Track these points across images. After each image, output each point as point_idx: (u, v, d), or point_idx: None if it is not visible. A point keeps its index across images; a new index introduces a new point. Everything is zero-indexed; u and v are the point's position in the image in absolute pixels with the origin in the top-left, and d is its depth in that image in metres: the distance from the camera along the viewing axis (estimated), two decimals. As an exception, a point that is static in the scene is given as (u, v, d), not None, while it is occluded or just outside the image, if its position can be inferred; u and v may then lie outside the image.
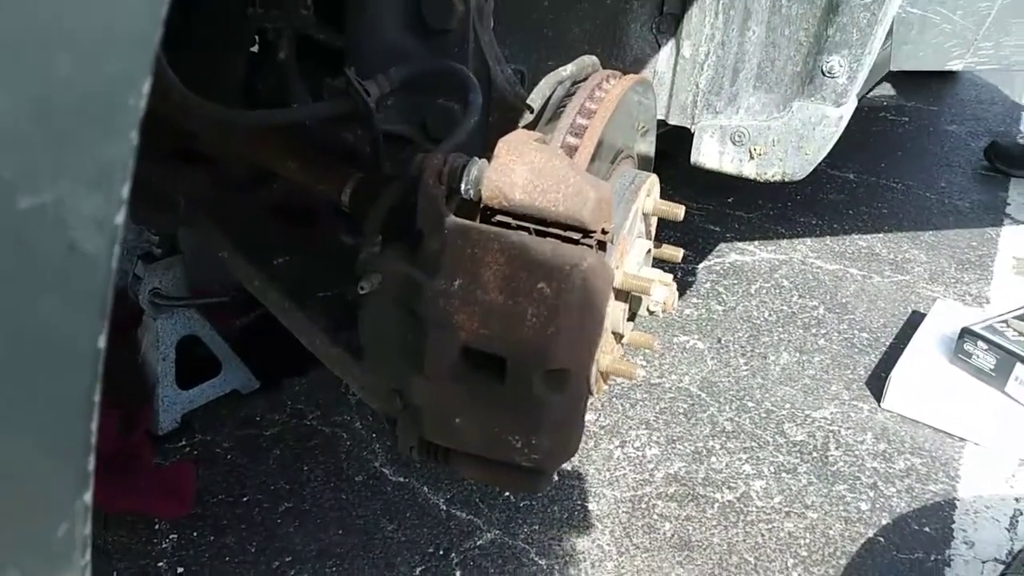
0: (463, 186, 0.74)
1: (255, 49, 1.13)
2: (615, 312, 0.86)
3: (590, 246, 0.73)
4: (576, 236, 0.73)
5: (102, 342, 0.36)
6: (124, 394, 1.45)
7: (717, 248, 2.17)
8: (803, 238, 2.24)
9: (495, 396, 0.74)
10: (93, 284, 0.35)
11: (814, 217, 2.34)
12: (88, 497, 0.39)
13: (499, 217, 0.75)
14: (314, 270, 1.06)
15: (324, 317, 1.00)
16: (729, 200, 2.36)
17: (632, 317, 0.92)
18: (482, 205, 0.74)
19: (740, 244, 2.19)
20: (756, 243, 2.20)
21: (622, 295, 0.86)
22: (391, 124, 0.85)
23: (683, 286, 2.00)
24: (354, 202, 0.93)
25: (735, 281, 2.03)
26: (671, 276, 0.87)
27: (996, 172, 2.52)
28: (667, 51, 1.30)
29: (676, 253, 0.96)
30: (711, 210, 2.33)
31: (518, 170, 0.72)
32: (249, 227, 1.09)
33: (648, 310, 0.87)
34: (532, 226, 0.74)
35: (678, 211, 0.91)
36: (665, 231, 2.17)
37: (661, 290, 0.84)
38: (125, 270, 1.44)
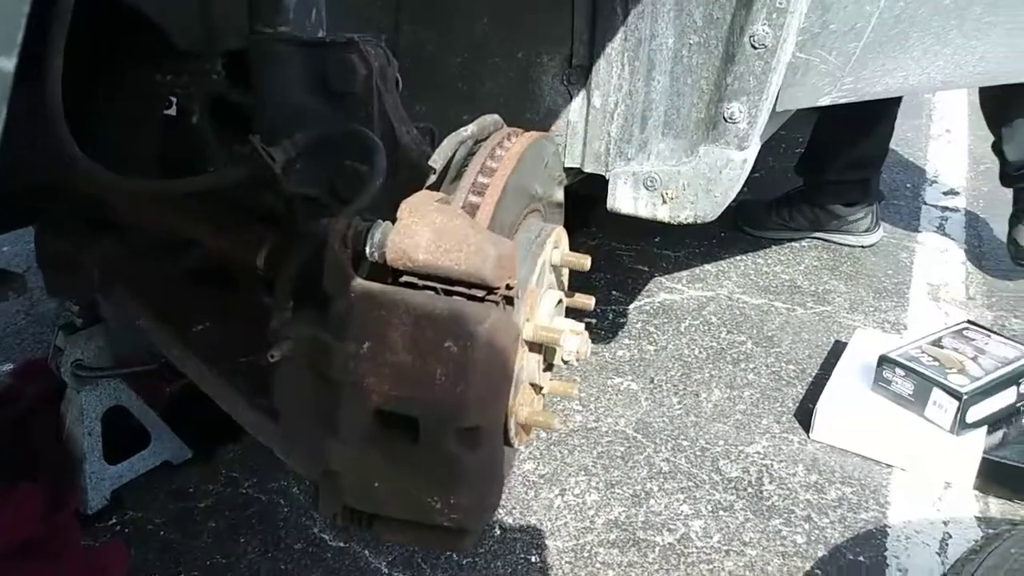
0: (368, 249, 0.75)
1: (172, 112, 1.13)
2: (530, 364, 0.87)
3: (495, 302, 0.75)
4: (481, 293, 0.74)
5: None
6: (49, 472, 1.40)
7: (647, 288, 2.21)
8: (728, 274, 2.29)
9: (411, 457, 0.74)
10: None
11: (739, 253, 2.40)
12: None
13: (406, 278, 0.76)
14: (233, 335, 1.05)
15: (244, 382, 0.99)
16: (656, 240, 2.41)
17: (549, 367, 0.93)
18: (388, 266, 0.75)
19: (669, 283, 2.24)
20: (684, 281, 2.25)
21: (535, 347, 0.88)
22: (300, 187, 0.86)
23: (615, 327, 2.03)
24: (269, 265, 0.93)
25: (665, 320, 2.07)
26: (582, 325, 0.89)
27: (743, 233, 2.51)
28: (578, 102, 1.35)
29: (588, 301, 0.98)
30: (639, 250, 2.38)
31: (420, 231, 0.73)
32: (166, 294, 1.08)
33: (563, 360, 0.88)
34: (438, 285, 0.75)
35: (584, 261, 0.93)
36: (596, 273, 2.22)
37: (572, 339, 0.86)
38: (46, 342, 1.41)
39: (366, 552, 1.37)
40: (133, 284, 1.09)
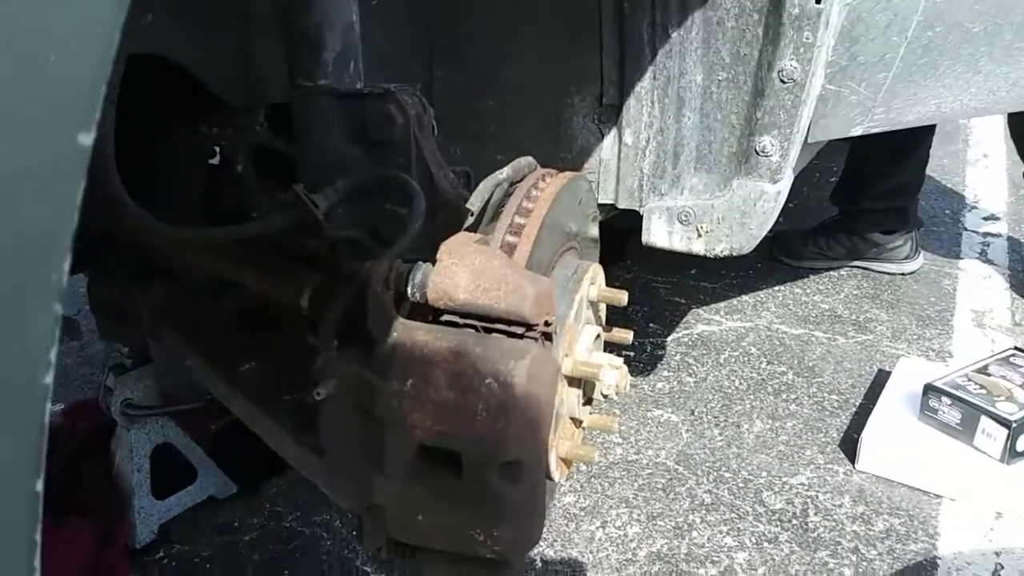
0: (410, 290, 0.77)
1: (215, 161, 1.18)
2: (570, 398, 0.89)
3: (535, 339, 0.77)
4: (520, 330, 0.76)
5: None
6: (100, 508, 1.44)
7: (684, 320, 2.21)
8: (767, 304, 2.28)
9: (454, 491, 0.76)
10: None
11: (776, 283, 2.39)
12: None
13: (447, 317, 0.78)
14: (279, 374, 1.08)
15: (290, 420, 1.01)
16: (692, 272, 2.42)
17: (589, 401, 0.95)
18: (430, 306, 0.78)
19: (706, 314, 2.23)
20: (722, 312, 2.25)
21: (575, 381, 0.89)
22: (343, 231, 0.89)
23: (654, 360, 2.03)
24: (313, 306, 0.96)
25: (704, 352, 2.06)
26: (620, 359, 0.90)
27: (780, 263, 2.51)
28: (610, 140, 1.37)
29: (626, 335, 0.99)
30: (675, 283, 2.38)
31: (460, 272, 0.75)
32: (214, 335, 1.12)
33: (602, 394, 0.89)
34: (479, 323, 0.77)
35: (621, 296, 0.95)
36: (632, 306, 2.23)
37: (611, 374, 0.87)
38: (95, 383, 1.45)
39: (409, 587, 1.38)
40: (182, 327, 1.13)
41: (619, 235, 1.52)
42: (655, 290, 2.35)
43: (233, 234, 0.92)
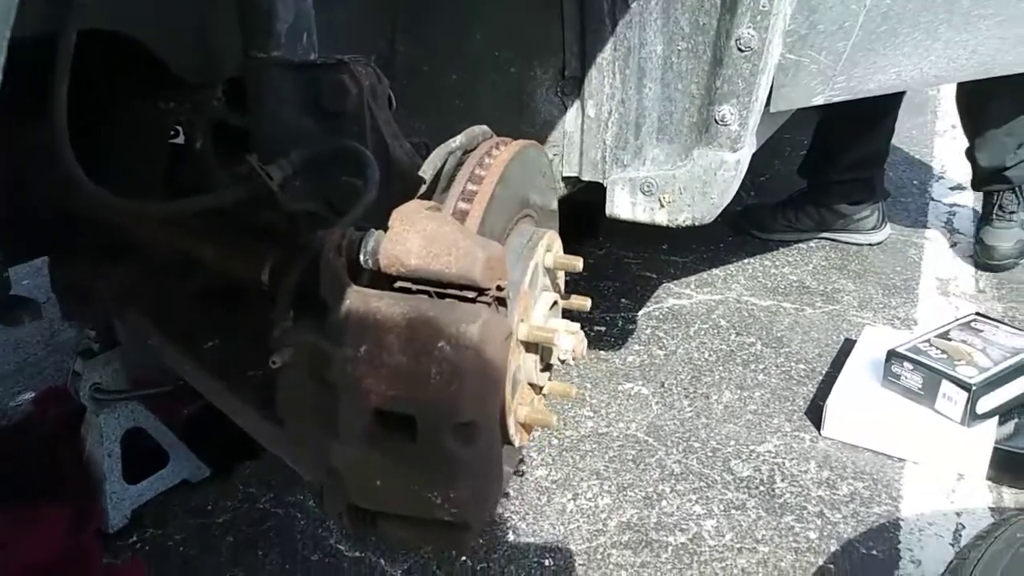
0: (362, 257, 0.78)
1: (180, 141, 1.17)
2: (527, 364, 0.90)
3: (487, 303, 0.77)
4: (472, 295, 0.77)
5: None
6: (72, 494, 1.44)
7: (655, 294, 2.22)
8: (736, 277, 2.30)
9: (410, 455, 0.77)
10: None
11: (746, 256, 2.42)
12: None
13: (399, 283, 0.79)
14: (242, 350, 1.08)
15: (254, 395, 1.02)
16: (663, 247, 2.43)
17: (548, 368, 0.96)
18: (383, 273, 0.78)
19: (677, 288, 2.25)
20: (692, 286, 2.26)
21: (532, 347, 0.90)
22: (299, 203, 0.89)
23: (624, 334, 2.05)
24: (274, 280, 0.96)
25: (674, 325, 2.08)
26: (577, 325, 0.91)
27: (750, 236, 2.53)
28: (573, 112, 1.38)
29: (584, 302, 1.00)
30: (647, 258, 2.40)
31: (411, 238, 0.76)
32: (177, 314, 1.12)
33: (559, 359, 0.90)
34: (432, 289, 0.78)
35: (576, 263, 0.95)
36: (604, 281, 2.25)
37: (567, 339, 0.88)
38: (66, 370, 1.45)
39: (382, 561, 1.39)
40: (145, 306, 1.13)
41: (591, 211, 1.53)
42: (627, 266, 2.37)
43: (187, 207, 0.93)
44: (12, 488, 1.44)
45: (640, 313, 2.14)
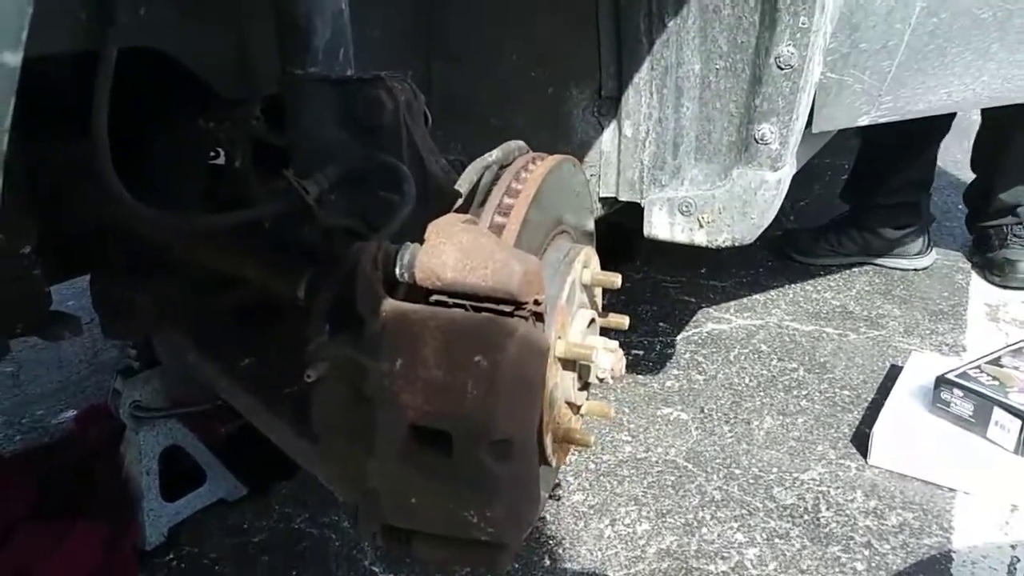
0: (398, 270, 0.77)
1: (220, 161, 1.19)
2: (564, 382, 0.88)
3: (524, 318, 0.76)
4: (509, 309, 0.75)
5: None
6: (110, 511, 1.45)
7: (694, 319, 2.19)
8: (777, 302, 2.26)
9: (445, 472, 0.75)
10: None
11: (787, 281, 2.38)
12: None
13: (435, 297, 0.78)
14: (278, 368, 1.08)
15: (290, 413, 1.01)
16: (702, 271, 2.40)
17: (585, 387, 0.94)
18: (418, 287, 0.77)
19: (716, 313, 2.22)
20: (732, 311, 2.23)
21: (569, 365, 0.88)
22: (334, 219, 0.89)
23: (663, 358, 2.02)
24: (309, 296, 0.96)
25: (714, 350, 2.05)
26: (616, 343, 0.90)
27: (792, 261, 2.51)
28: (610, 132, 1.37)
29: (622, 320, 0.99)
30: (686, 282, 2.37)
31: (447, 251, 0.75)
32: (214, 331, 1.12)
33: (597, 378, 0.89)
34: (467, 303, 0.77)
35: (615, 280, 0.94)
36: (642, 305, 2.22)
37: (606, 356, 0.86)
38: (107, 387, 1.46)
39: (416, 585, 1.37)
40: (183, 323, 1.13)
41: (628, 235, 1.52)
42: (665, 290, 2.34)
43: (226, 221, 0.93)
44: (51, 505, 1.45)
45: (679, 337, 2.11)
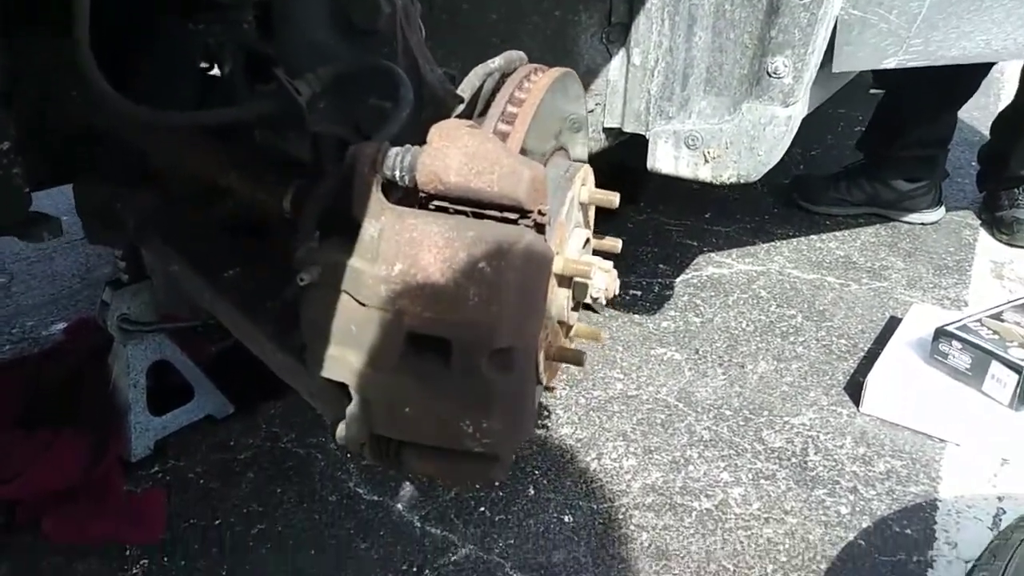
0: (397, 173, 0.74)
1: (215, 72, 1.15)
2: (559, 299, 0.86)
3: (528, 227, 0.74)
4: (513, 217, 0.73)
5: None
6: (96, 421, 1.44)
7: (695, 262, 2.17)
8: (780, 249, 2.24)
9: (443, 381, 0.74)
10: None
11: (791, 229, 2.35)
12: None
13: (436, 202, 0.75)
14: (263, 280, 1.06)
15: (273, 326, 0.99)
16: (707, 215, 2.37)
17: (577, 307, 0.92)
18: (418, 191, 0.75)
19: (718, 257, 2.20)
20: (734, 256, 2.21)
21: (564, 281, 0.86)
22: (325, 125, 0.86)
23: (660, 299, 2.00)
24: (296, 207, 0.93)
25: (713, 293, 2.03)
26: (611, 263, 0.87)
27: (799, 209, 2.48)
28: (618, 60, 1.33)
29: (615, 244, 0.96)
30: (689, 225, 2.34)
31: (452, 153, 0.72)
32: (199, 242, 1.10)
33: (591, 297, 0.86)
34: (470, 209, 0.74)
35: (613, 198, 0.91)
36: (643, 247, 2.20)
37: (602, 276, 0.84)
38: (96, 300, 1.44)
39: (399, 507, 1.37)
40: (167, 233, 1.11)
41: (632, 176, 1.48)
42: (667, 233, 2.31)
43: (211, 118, 0.89)
44: (38, 415, 1.45)
45: (678, 280, 2.09)
